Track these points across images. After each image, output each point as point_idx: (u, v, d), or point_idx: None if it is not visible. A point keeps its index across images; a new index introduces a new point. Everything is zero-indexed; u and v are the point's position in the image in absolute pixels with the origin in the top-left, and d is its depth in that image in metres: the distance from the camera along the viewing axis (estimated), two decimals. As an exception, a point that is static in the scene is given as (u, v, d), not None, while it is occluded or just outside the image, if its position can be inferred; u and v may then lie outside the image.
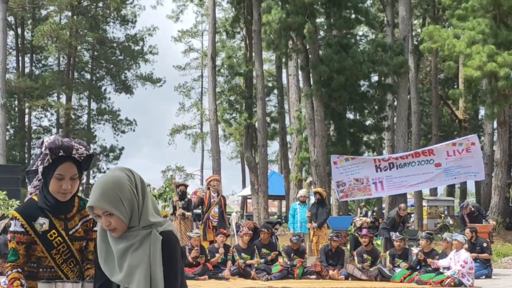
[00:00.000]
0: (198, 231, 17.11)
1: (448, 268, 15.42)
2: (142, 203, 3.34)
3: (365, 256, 16.88)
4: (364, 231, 17.42)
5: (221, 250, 16.45)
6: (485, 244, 17.82)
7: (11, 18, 53.87)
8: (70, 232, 4.51)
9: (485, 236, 18.86)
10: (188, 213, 18.25)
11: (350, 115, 37.65)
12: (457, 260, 15.37)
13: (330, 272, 16.71)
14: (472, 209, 19.90)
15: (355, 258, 17.01)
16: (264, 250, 17.08)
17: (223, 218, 18.03)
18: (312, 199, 19.48)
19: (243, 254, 16.79)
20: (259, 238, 17.38)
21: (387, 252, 17.42)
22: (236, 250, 16.89)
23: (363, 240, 17.08)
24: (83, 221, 4.57)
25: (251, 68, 39.10)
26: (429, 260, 15.87)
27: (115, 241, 3.34)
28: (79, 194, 4.68)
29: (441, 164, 21.43)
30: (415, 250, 17.33)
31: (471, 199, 42.49)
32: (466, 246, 16.76)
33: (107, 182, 3.32)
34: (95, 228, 4.59)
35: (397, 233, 17.78)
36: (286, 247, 17.71)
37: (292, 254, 17.15)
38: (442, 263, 15.62)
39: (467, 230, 17.98)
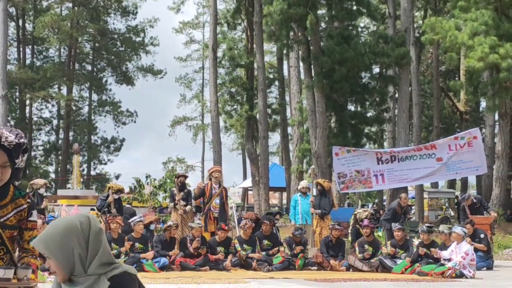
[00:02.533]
0: (200, 222, 17.11)
1: (449, 260, 15.42)
2: (89, 254, 3.21)
3: (366, 246, 16.88)
4: (366, 222, 17.40)
5: (221, 249, 16.47)
6: (482, 235, 17.80)
7: (12, 9, 53.84)
8: (1, 220, 4.46)
9: (486, 228, 18.84)
10: (188, 207, 18.26)
11: (351, 107, 37.67)
12: (459, 252, 15.36)
13: (331, 261, 16.71)
14: (474, 200, 19.87)
15: (356, 249, 17.01)
16: (265, 242, 17.07)
17: (224, 209, 18.00)
18: (314, 190, 19.44)
19: (245, 245, 16.80)
20: (261, 230, 17.37)
21: (389, 242, 17.42)
22: (238, 241, 16.90)
23: (365, 230, 17.07)
24: (16, 211, 4.53)
25: (252, 59, 39.04)
26: (432, 250, 15.87)
27: (66, 285, 3.26)
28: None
29: (442, 158, 21.40)
30: (416, 241, 17.32)
31: (472, 191, 42.45)
32: (468, 239, 16.77)
33: (54, 226, 3.24)
34: (30, 218, 4.58)
35: (397, 224, 17.76)
36: (288, 238, 17.70)
37: (294, 245, 17.14)
38: (444, 254, 15.61)
39: (468, 225, 17.98)
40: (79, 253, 3.18)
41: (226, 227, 17.05)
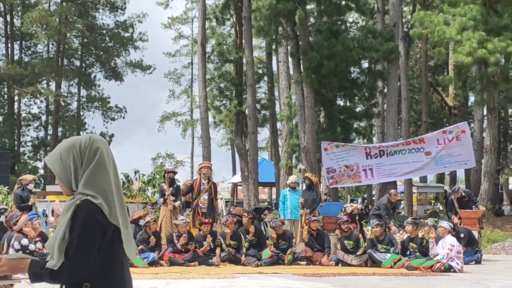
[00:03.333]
0: (184, 218, 17.05)
1: (437, 255, 15.47)
2: (81, 171, 3.44)
3: (345, 242, 16.94)
4: (345, 218, 17.45)
5: (209, 238, 16.43)
6: (462, 235, 17.79)
7: (0, 5, 53.62)
8: None
9: (474, 222, 18.90)
10: (178, 203, 18.17)
11: (340, 102, 37.71)
12: (444, 245, 15.42)
13: (323, 259, 16.73)
14: (463, 194, 19.91)
15: (338, 245, 17.12)
16: (248, 236, 17.07)
17: (212, 205, 17.96)
18: (303, 186, 19.43)
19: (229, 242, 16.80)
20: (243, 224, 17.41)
21: (370, 229, 17.49)
22: (221, 238, 16.86)
23: (345, 226, 17.10)
24: None
25: (241, 55, 39.01)
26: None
27: None
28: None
29: (431, 152, 21.44)
30: (403, 235, 17.32)
31: (461, 186, 42.59)
32: (454, 232, 16.81)
33: (61, 144, 3.53)
34: None
35: (375, 220, 17.82)
36: (271, 238, 17.72)
37: (280, 241, 17.13)
38: (436, 248, 15.65)
39: (455, 219, 18.02)
40: (74, 169, 3.44)
41: (206, 220, 16.98)
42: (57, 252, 3.31)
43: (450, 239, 15.57)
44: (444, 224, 15.94)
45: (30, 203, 17.91)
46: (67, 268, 3.31)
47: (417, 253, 16.02)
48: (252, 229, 17.07)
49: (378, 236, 17.01)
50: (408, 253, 16.33)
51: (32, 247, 13.35)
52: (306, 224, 17.61)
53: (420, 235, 16.41)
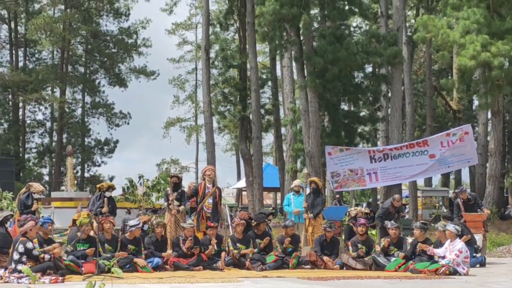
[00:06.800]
0: (191, 222, 17.05)
1: (443, 257, 15.43)
2: None
3: (359, 245, 16.85)
4: (362, 220, 17.34)
5: (214, 241, 16.43)
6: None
7: (4, 12, 53.86)
8: None
9: (479, 226, 18.85)
10: (182, 207, 18.16)
11: (344, 106, 37.70)
12: (452, 250, 15.38)
13: (325, 258, 16.70)
14: (469, 196, 19.84)
15: (350, 248, 16.99)
16: (258, 241, 17.06)
17: (217, 209, 17.96)
18: (307, 190, 19.41)
19: (238, 245, 16.79)
20: (255, 230, 17.36)
21: (383, 239, 17.39)
22: (231, 240, 16.88)
23: (360, 228, 17.01)
24: None
25: (245, 60, 39.02)
26: (423, 245, 15.87)
27: None
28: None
29: (435, 155, 21.48)
30: (410, 239, 17.31)
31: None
32: (465, 237, 16.76)
33: None
34: None
35: (392, 221, 17.74)
36: (280, 237, 17.66)
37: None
38: (438, 252, 15.62)
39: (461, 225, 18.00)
40: None
41: (212, 224, 16.99)
42: None
43: (459, 244, 15.52)
44: (451, 227, 15.87)
45: (33, 209, 17.88)
46: None
47: (424, 257, 15.96)
48: (266, 240, 17.06)
49: (393, 238, 16.96)
50: (413, 256, 16.26)
51: (35, 252, 13.38)
52: (323, 230, 17.52)
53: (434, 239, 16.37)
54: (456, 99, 42.29)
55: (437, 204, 38.72)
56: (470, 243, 17.77)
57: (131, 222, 16.04)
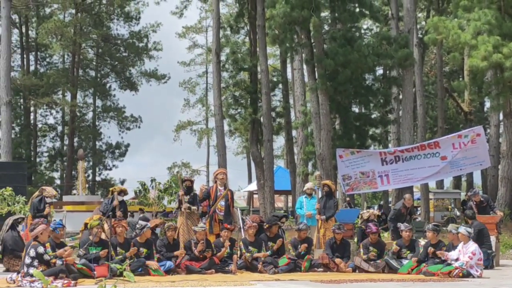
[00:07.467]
0: (203, 225, 17.03)
1: (457, 260, 15.36)
2: None
3: (371, 248, 16.81)
4: (374, 229, 17.20)
5: (227, 243, 16.41)
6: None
7: (15, 16, 53.96)
8: None
9: (492, 228, 18.76)
10: (194, 207, 18.12)
11: (355, 109, 37.64)
12: (465, 252, 15.31)
13: (337, 260, 16.66)
14: (481, 199, 19.76)
15: (361, 250, 16.95)
16: (270, 244, 17.03)
17: (229, 212, 17.94)
18: (319, 192, 19.36)
19: (250, 248, 16.76)
20: (266, 233, 17.33)
21: (394, 242, 17.34)
22: (243, 244, 16.86)
23: (373, 237, 16.97)
24: None
25: (255, 63, 39.06)
26: (438, 252, 15.80)
27: None
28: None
29: (447, 157, 21.38)
30: (422, 242, 17.25)
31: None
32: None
33: None
34: None
35: (406, 223, 17.68)
36: (292, 240, 17.64)
37: (299, 245, 17.10)
38: (451, 255, 15.54)
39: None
40: None
41: (229, 226, 17.01)
42: None
43: (472, 246, 15.45)
44: (462, 230, 15.80)
45: (45, 213, 17.93)
46: None
47: (437, 259, 15.89)
48: (280, 242, 17.05)
49: (406, 241, 16.91)
50: (426, 259, 16.17)
51: (47, 256, 13.39)
52: (332, 232, 17.50)
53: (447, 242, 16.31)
54: (467, 101, 42.16)
55: (449, 207, 38.59)
56: (482, 238, 17.67)
57: (142, 225, 15.99)
